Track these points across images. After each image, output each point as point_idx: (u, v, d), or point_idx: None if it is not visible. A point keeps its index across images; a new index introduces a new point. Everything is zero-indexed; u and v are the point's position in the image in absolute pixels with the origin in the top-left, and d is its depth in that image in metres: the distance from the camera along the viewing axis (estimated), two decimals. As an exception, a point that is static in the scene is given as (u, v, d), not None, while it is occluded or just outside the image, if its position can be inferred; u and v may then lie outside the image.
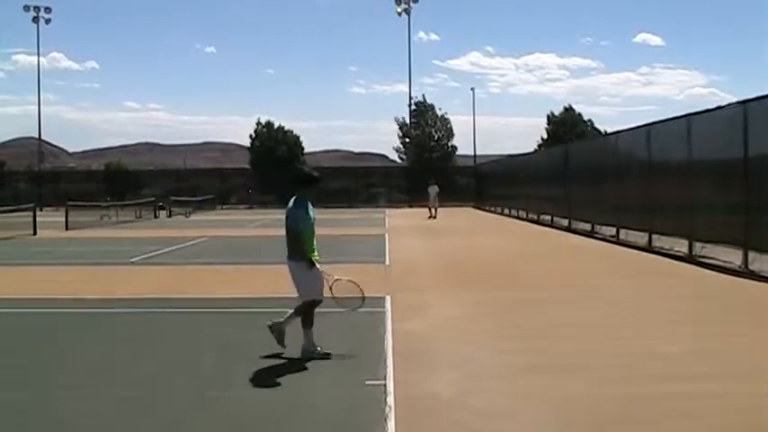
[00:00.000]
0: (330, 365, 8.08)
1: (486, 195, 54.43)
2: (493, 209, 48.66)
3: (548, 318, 10.82)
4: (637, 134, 22.32)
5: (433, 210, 41.91)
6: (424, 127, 71.06)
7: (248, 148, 73.45)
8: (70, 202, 36.40)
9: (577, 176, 29.17)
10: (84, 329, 10.66)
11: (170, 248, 22.94)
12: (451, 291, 13.43)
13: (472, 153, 73.38)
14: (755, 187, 15.13)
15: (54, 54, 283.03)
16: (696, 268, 16.07)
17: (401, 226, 33.35)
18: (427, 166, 63.88)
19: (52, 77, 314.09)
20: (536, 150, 61.33)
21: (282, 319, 8.64)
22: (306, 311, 8.51)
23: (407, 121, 70.76)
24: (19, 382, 7.68)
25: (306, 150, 74.34)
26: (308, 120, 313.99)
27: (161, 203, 47.54)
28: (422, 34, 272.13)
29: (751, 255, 15.04)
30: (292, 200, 8.74)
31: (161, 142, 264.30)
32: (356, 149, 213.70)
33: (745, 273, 14.70)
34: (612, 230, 23.46)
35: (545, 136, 73.33)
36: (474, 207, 55.94)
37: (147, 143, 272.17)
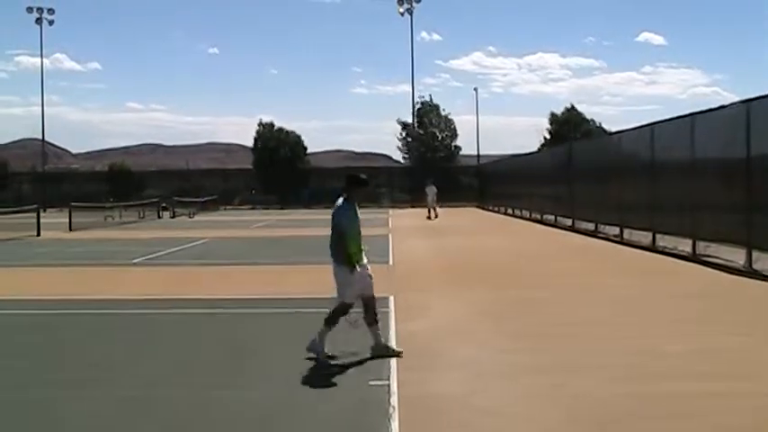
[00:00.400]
0: (333, 366, 8.07)
1: (489, 195, 54.42)
2: (496, 208, 48.65)
3: (551, 317, 10.82)
4: (640, 133, 22.30)
5: (432, 210, 41.63)
6: (428, 127, 71.07)
7: (251, 149, 73.50)
8: (74, 203, 36.45)
9: (581, 176, 29.16)
10: (87, 330, 10.66)
11: (173, 249, 22.96)
12: (455, 290, 13.42)
13: (475, 153, 73.42)
14: (758, 186, 15.11)
15: (57, 55, 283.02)
16: (700, 267, 16.06)
17: (404, 226, 33.33)
18: (430, 166, 63.88)
19: (55, 78, 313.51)
20: (539, 150, 61.28)
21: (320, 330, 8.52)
22: (335, 311, 8.45)
23: (411, 122, 70.75)
24: (20, 382, 7.69)
25: (309, 151, 74.31)
26: (311, 120, 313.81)
27: (164, 204, 47.58)
28: (424, 34, 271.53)
29: (755, 254, 15.03)
30: (341, 199, 8.66)
31: (164, 143, 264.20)
32: (359, 149, 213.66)
33: (748, 272, 14.68)
34: (616, 230, 23.44)
35: (548, 135, 73.27)
36: (477, 207, 55.92)
37: (150, 144, 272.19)
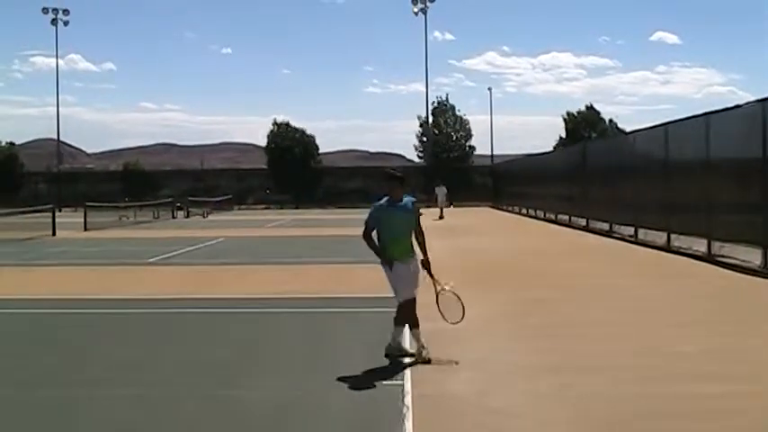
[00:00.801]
0: (347, 366, 8.08)
1: (503, 195, 54.33)
2: (510, 208, 48.57)
3: (565, 317, 10.80)
4: (655, 133, 22.20)
5: (441, 210, 41.68)
6: (443, 127, 71.00)
7: (265, 149, 73.60)
8: (89, 203, 36.62)
9: (595, 176, 29.08)
10: (102, 329, 10.72)
11: (188, 249, 23.04)
12: (468, 291, 13.37)
13: (489, 152, 73.29)
14: (774, 186, 15.03)
15: (72, 56, 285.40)
16: (715, 268, 15.98)
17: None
18: (445, 166, 63.84)
19: (70, 79, 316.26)
20: (554, 150, 61.11)
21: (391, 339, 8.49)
22: (398, 310, 8.43)
23: (427, 121, 70.70)
24: (37, 381, 7.75)
25: (322, 150, 74.36)
26: (324, 120, 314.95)
27: (179, 204, 47.73)
28: (437, 34, 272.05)
29: (770, 254, 14.95)
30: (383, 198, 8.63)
31: (178, 143, 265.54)
32: (372, 149, 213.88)
33: (764, 272, 14.59)
34: (631, 230, 23.35)
35: (563, 135, 73.05)
36: (491, 207, 55.86)
37: (164, 144, 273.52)
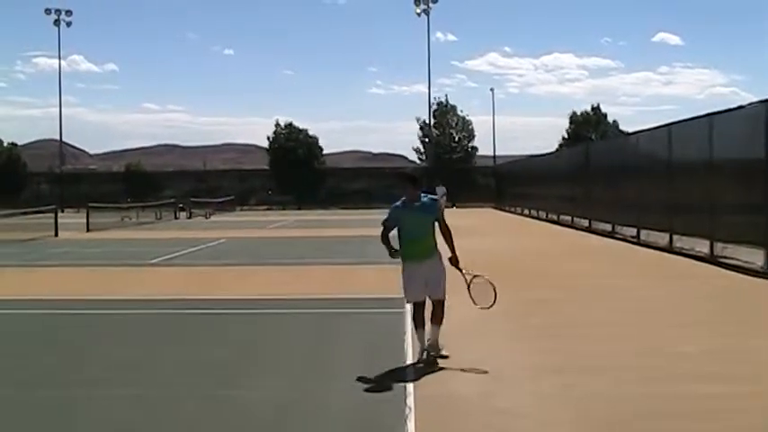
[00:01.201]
0: (349, 366, 8.08)
1: (505, 195, 54.29)
2: (513, 209, 48.54)
3: (568, 318, 10.80)
4: (657, 134, 22.19)
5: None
6: (445, 128, 71.00)
7: (267, 150, 73.64)
8: (91, 204, 36.64)
9: (597, 176, 29.06)
10: (104, 330, 10.73)
11: (190, 250, 23.04)
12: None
13: (491, 153, 73.29)
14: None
15: (74, 56, 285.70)
16: (717, 269, 15.96)
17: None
18: (447, 167, 63.83)
19: (72, 79, 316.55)
20: (556, 150, 61.07)
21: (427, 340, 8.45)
22: (413, 313, 8.42)
23: (428, 122, 70.70)
24: (38, 381, 7.75)
25: (326, 151, 74.50)
26: (327, 121, 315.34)
27: (181, 205, 47.75)
28: (439, 35, 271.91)
29: (773, 255, 14.92)
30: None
31: (181, 144, 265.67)
32: (375, 150, 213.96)
33: (766, 273, 14.56)
34: (633, 231, 23.33)
35: (566, 136, 73.04)
36: (494, 207, 55.82)
37: (166, 144, 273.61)
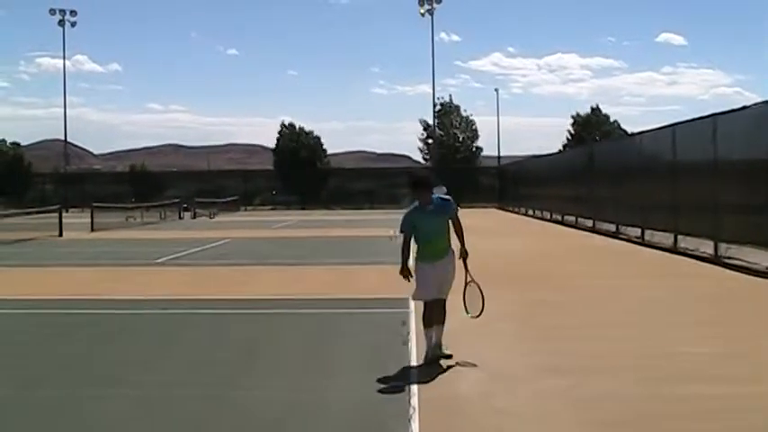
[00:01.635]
0: (353, 366, 8.10)
1: (509, 196, 54.27)
2: (517, 209, 48.53)
3: (571, 319, 10.79)
4: (662, 134, 22.17)
5: None
6: (449, 128, 71.01)
7: (272, 150, 73.74)
8: (95, 204, 36.70)
9: (602, 177, 29.03)
10: (107, 330, 10.73)
11: (195, 250, 23.07)
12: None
13: (495, 153, 73.31)
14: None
15: (78, 57, 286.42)
16: (722, 269, 15.94)
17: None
18: (451, 167, 63.82)
19: (76, 80, 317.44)
20: (560, 151, 61.03)
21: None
22: (423, 312, 8.43)
23: (431, 122, 70.71)
24: (42, 381, 7.76)
25: (329, 152, 74.59)
26: (331, 121, 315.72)
27: (185, 205, 47.79)
28: (443, 35, 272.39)
29: (778, 256, 14.91)
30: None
31: (185, 144, 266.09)
32: (379, 150, 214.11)
33: (771, 274, 14.57)
34: (637, 231, 23.32)
35: (569, 136, 73.05)
36: (498, 208, 55.80)
37: (171, 145, 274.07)
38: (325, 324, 10.81)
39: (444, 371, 7.75)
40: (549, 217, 37.88)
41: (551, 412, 6.43)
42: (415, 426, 6.02)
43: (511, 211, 49.80)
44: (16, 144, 76.44)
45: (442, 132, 70.71)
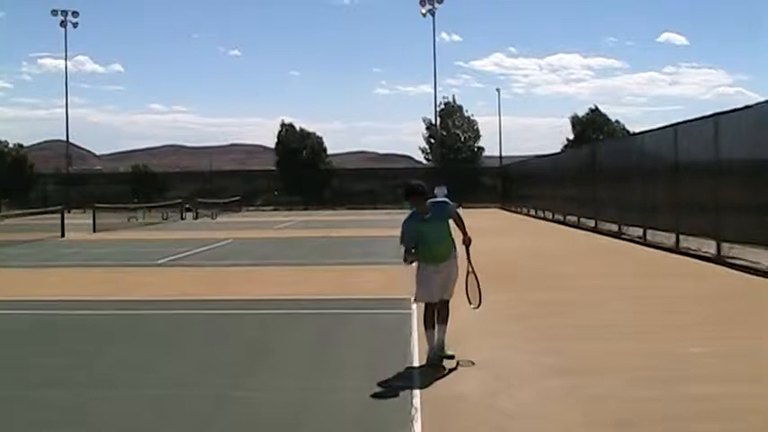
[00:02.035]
0: (356, 366, 8.10)
1: (511, 196, 54.27)
2: (519, 209, 48.52)
3: (574, 319, 10.79)
4: (664, 134, 22.15)
5: None
6: (451, 128, 70.99)
7: (273, 150, 73.75)
8: (98, 205, 36.72)
9: (604, 177, 29.01)
10: (111, 330, 10.75)
11: (197, 250, 23.08)
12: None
13: (497, 154, 73.29)
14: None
15: (79, 57, 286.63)
16: (724, 269, 15.93)
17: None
18: (453, 167, 63.82)
19: (78, 80, 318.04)
20: (562, 151, 61.00)
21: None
22: (424, 313, 8.43)
23: (434, 122, 70.71)
24: (48, 382, 7.76)
25: (331, 152, 74.61)
26: (333, 121, 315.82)
27: (187, 205, 47.84)
28: (444, 35, 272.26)
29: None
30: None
31: (187, 144, 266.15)
32: (381, 150, 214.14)
33: (773, 273, 14.55)
34: (639, 231, 23.31)
35: (571, 137, 73.07)
36: (500, 208, 55.81)
37: (173, 145, 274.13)
38: (328, 325, 10.81)
39: (446, 371, 7.75)
40: (551, 217, 37.86)
41: (554, 412, 6.43)
42: (417, 426, 6.03)
43: (513, 212, 49.80)
44: (19, 145, 76.47)
45: (444, 132, 70.69)
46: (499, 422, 6.19)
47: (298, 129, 72.44)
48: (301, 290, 14.17)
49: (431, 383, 7.26)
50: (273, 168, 72.26)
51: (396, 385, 7.22)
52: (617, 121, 73.90)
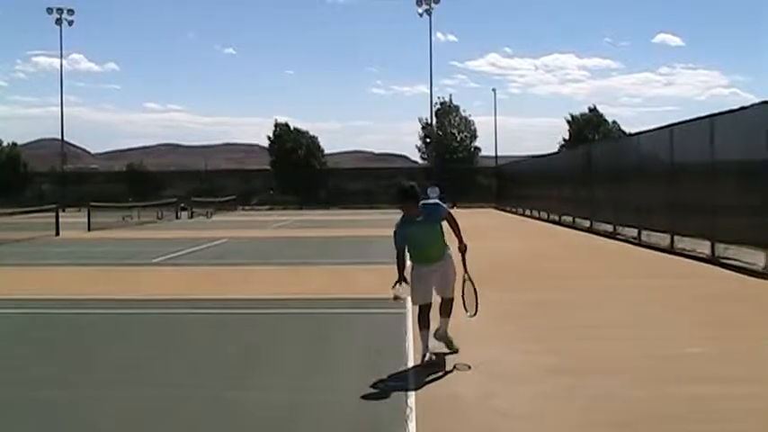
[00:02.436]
0: (351, 366, 8.09)
1: (507, 196, 54.27)
2: (514, 210, 48.54)
3: (570, 319, 10.79)
4: (659, 135, 22.19)
5: None
6: (447, 128, 71.02)
7: (269, 149, 73.75)
8: (92, 203, 36.64)
9: (599, 177, 29.05)
10: (106, 330, 10.72)
11: (192, 249, 23.05)
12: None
13: (493, 154, 73.36)
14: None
15: (74, 56, 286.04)
16: (719, 270, 15.95)
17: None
18: (449, 167, 63.83)
19: (73, 79, 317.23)
20: (558, 151, 61.05)
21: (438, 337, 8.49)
22: (418, 314, 8.43)
23: (430, 122, 70.73)
24: (43, 382, 7.73)
25: (327, 151, 74.72)
26: (329, 120, 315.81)
27: (183, 204, 47.75)
28: (439, 35, 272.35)
29: (775, 256, 14.91)
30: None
31: (182, 143, 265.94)
32: (377, 150, 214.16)
33: (768, 274, 14.57)
34: (634, 232, 23.33)
35: (566, 137, 73.16)
36: (495, 208, 55.81)
37: (168, 144, 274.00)
38: (323, 324, 10.80)
39: (442, 371, 7.74)
40: (546, 217, 37.88)
41: (550, 413, 6.42)
42: (411, 426, 6.02)
43: (508, 212, 49.79)
44: (14, 144, 76.35)
45: (440, 132, 70.72)
46: (495, 422, 6.18)
47: (292, 128, 72.44)
48: (297, 289, 14.16)
49: (426, 383, 7.25)
50: (269, 168, 72.26)
51: (391, 385, 7.21)
52: (614, 122, 74.05)
